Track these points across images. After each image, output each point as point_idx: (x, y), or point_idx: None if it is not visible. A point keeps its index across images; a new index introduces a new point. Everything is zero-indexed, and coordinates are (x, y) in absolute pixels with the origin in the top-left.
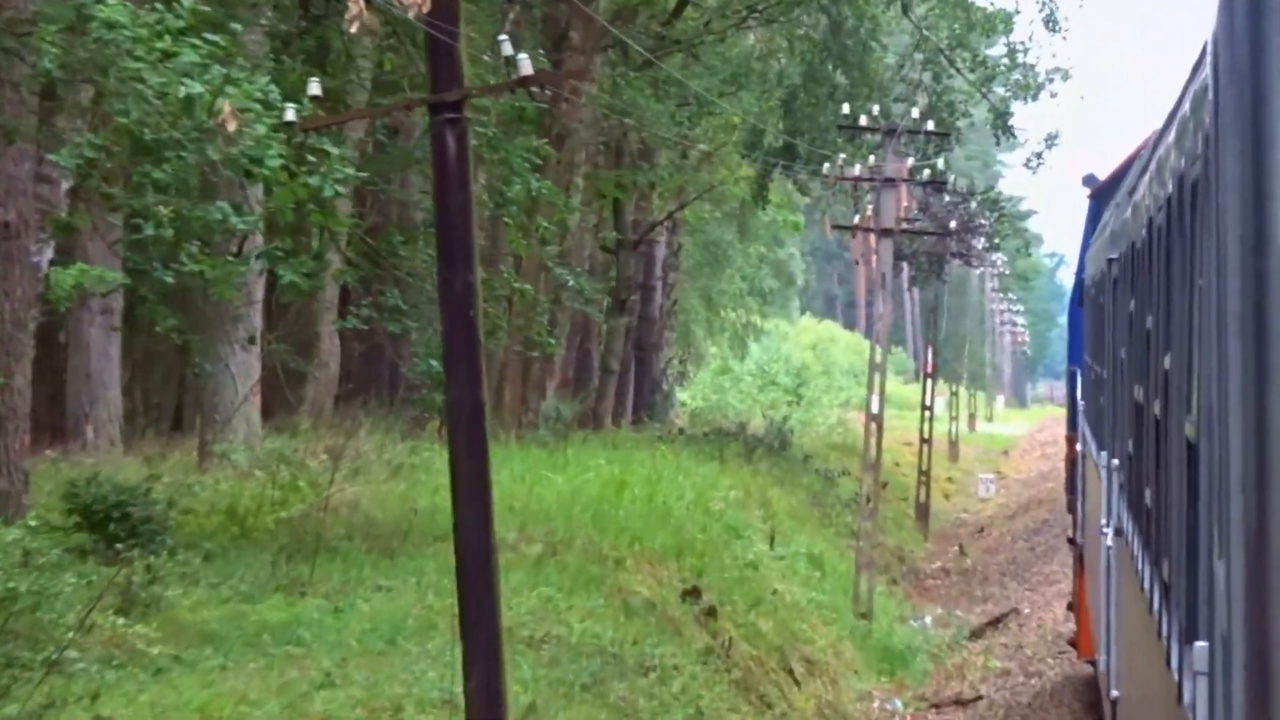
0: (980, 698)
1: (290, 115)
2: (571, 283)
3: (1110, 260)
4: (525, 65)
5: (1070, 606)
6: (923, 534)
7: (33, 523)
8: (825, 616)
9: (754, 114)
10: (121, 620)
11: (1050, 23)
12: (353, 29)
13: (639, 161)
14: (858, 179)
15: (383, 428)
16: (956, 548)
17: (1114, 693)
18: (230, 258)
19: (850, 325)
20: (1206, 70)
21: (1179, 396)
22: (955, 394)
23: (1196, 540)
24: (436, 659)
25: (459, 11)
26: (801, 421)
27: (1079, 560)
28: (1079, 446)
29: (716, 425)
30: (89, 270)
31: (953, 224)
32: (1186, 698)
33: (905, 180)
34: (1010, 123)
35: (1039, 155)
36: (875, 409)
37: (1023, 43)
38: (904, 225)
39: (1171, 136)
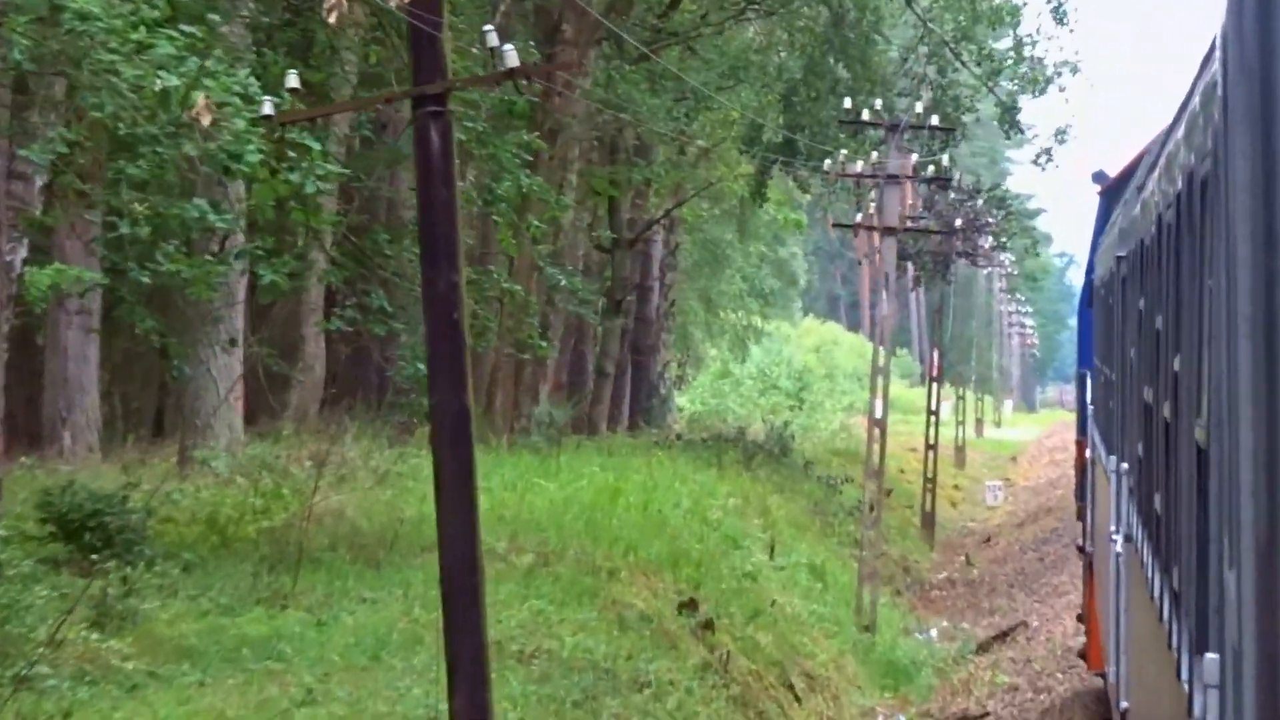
0: (987, 714)
1: (268, 109)
2: (564, 283)
3: (1119, 258)
4: (511, 57)
5: (1080, 617)
6: (928, 543)
7: (4, 533)
8: (827, 629)
9: (753, 109)
10: (95, 635)
11: (1058, 14)
12: (331, 19)
13: (634, 158)
14: (860, 175)
15: (369, 433)
16: (963, 558)
17: (1123, 704)
18: (209, 257)
19: (854, 327)
20: (1216, 65)
21: (1189, 399)
22: (962, 398)
23: (1207, 548)
24: (422, 674)
25: (442, 1)
26: (803, 426)
27: (1089, 569)
28: (1089, 452)
29: (715, 431)
30: (65, 270)
31: (958, 222)
32: (1197, 710)
33: (909, 177)
34: (1018, 118)
35: (1048, 152)
36: (879, 414)
37: (1030, 35)
38: (908, 223)
39: (1181, 132)
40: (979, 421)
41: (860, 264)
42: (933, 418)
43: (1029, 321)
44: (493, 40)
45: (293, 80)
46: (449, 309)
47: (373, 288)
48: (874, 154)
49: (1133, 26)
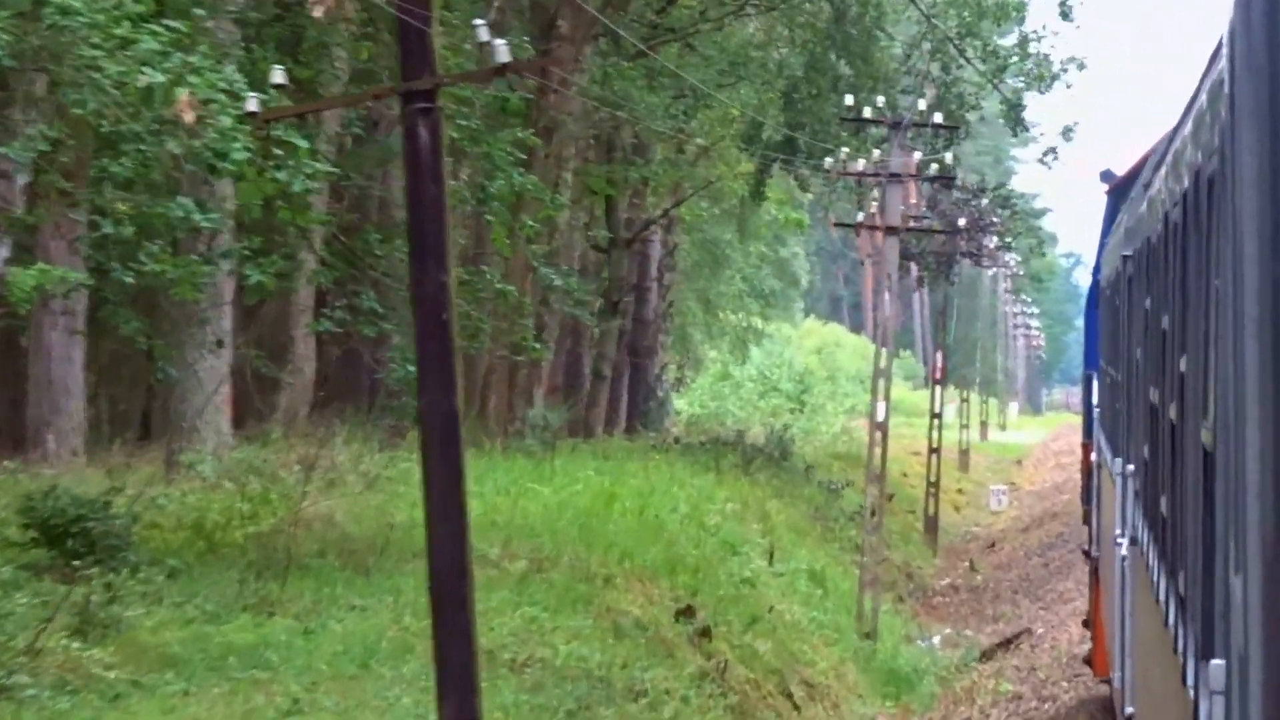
0: None
1: (253, 105)
2: (559, 283)
3: (1125, 258)
4: (502, 52)
5: (1086, 623)
6: (931, 549)
7: None
8: (827, 637)
9: (752, 106)
10: (77, 643)
11: (1064, 9)
12: (316, 13)
13: (632, 156)
14: (861, 174)
15: (360, 437)
16: (966, 563)
17: (1128, 709)
18: (194, 257)
19: (857, 328)
20: (1223, 62)
21: (1195, 400)
22: (966, 400)
23: (1213, 552)
24: (412, 683)
25: None
26: (804, 430)
27: (1094, 574)
28: (1094, 455)
29: (714, 434)
30: (50, 270)
31: (962, 222)
32: (1202, 717)
33: (912, 176)
34: (1023, 115)
35: (1054, 150)
36: (880, 416)
37: (1036, 31)
38: (911, 223)
39: (1188, 129)
40: (983, 424)
41: (863, 264)
42: (936, 421)
43: (1034, 323)
44: (483, 35)
45: (278, 76)
46: (438, 309)
47: (363, 288)
48: (876, 152)
49: (1133, 26)
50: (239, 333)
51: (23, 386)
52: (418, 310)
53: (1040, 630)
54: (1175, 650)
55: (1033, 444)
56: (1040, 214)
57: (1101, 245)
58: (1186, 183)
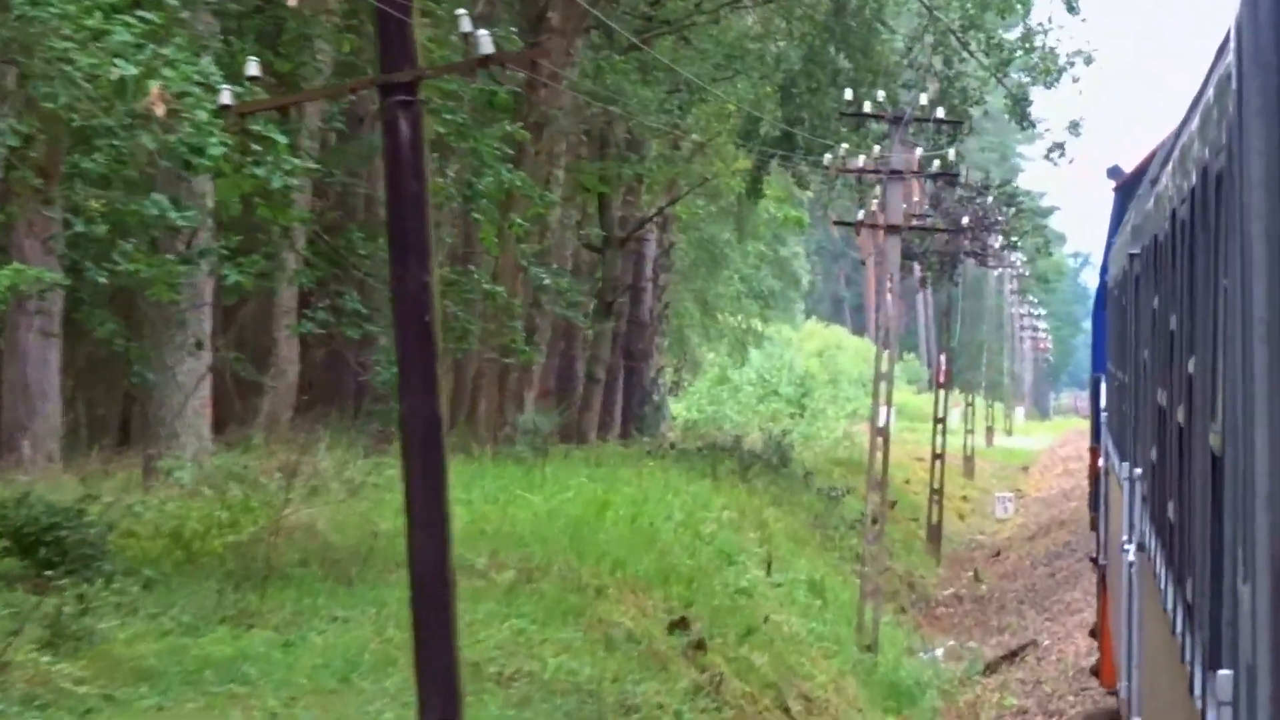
0: None
1: (227, 97)
2: (548, 282)
3: (1132, 256)
4: (485, 43)
5: (1093, 633)
6: (934, 558)
7: None
8: (826, 649)
9: (749, 101)
10: (47, 656)
11: (1070, 2)
12: (291, 2)
13: (626, 153)
14: (862, 170)
15: (344, 442)
16: (971, 573)
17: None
18: (170, 256)
19: (859, 330)
20: (1230, 57)
21: (1203, 403)
22: (971, 405)
23: (1221, 559)
24: (395, 698)
25: None
26: (804, 435)
27: (1102, 582)
28: (1102, 460)
29: (711, 439)
30: (24, 270)
31: (965, 220)
32: None
33: (914, 173)
34: (1029, 110)
35: (1061, 146)
36: (883, 422)
37: (1041, 24)
38: (913, 221)
39: (1195, 124)
40: (989, 429)
41: (864, 264)
42: (940, 426)
43: (1041, 325)
44: (466, 25)
45: (252, 68)
46: (420, 310)
47: (347, 289)
48: (877, 148)
49: (1139, 21)
50: (220, 335)
51: None
52: (399, 311)
53: (1046, 642)
54: (1182, 660)
55: (1040, 449)
56: (1047, 212)
57: (1109, 244)
58: (1194, 180)
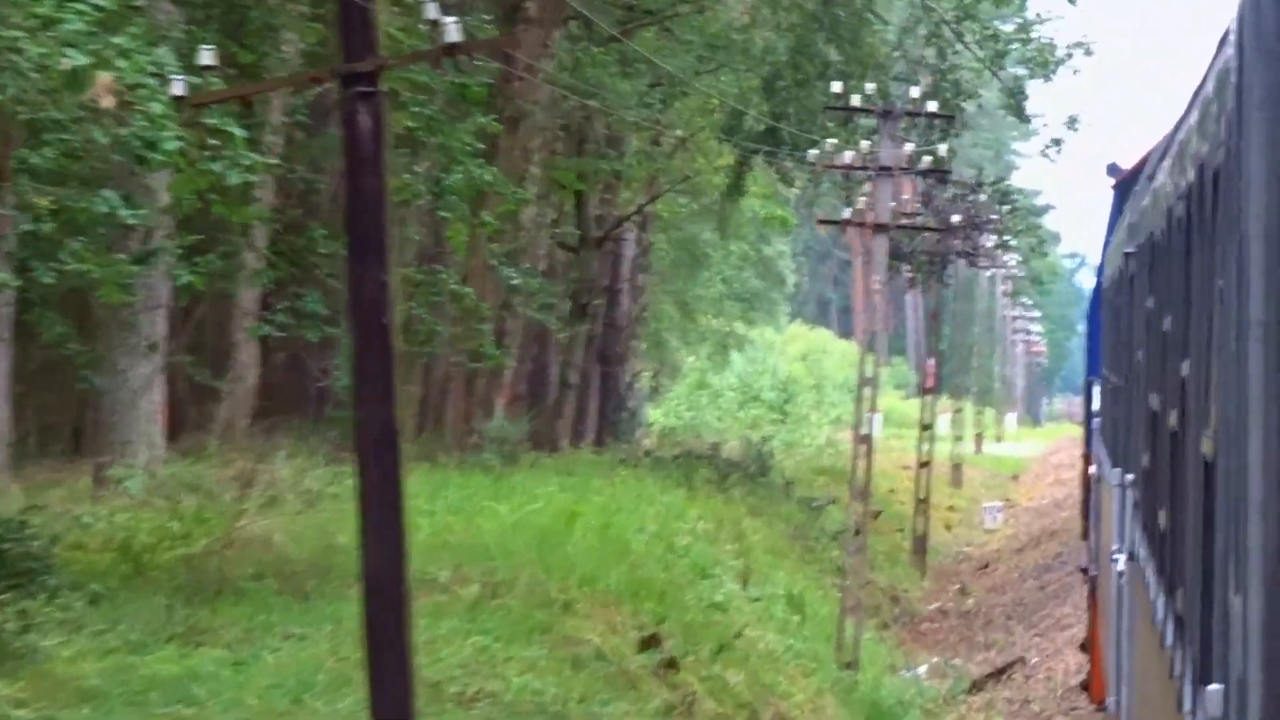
0: None
1: (179, 88)
2: (519, 283)
3: (1128, 255)
4: (452, 31)
5: (1084, 646)
6: (919, 571)
7: None
8: (804, 667)
9: (733, 95)
10: None
11: None
12: None
13: (604, 149)
14: (849, 167)
15: (305, 450)
16: (957, 586)
17: None
18: (120, 256)
19: (846, 333)
20: (1231, 49)
21: (1197, 408)
22: (960, 411)
23: (1212, 570)
24: None
25: None
26: (787, 442)
27: (1094, 592)
28: (1094, 467)
29: (688, 447)
30: None
31: (956, 218)
32: None
33: (904, 169)
34: (1025, 104)
35: (1058, 141)
36: (867, 429)
37: (1039, 14)
38: (902, 220)
39: (1194, 119)
40: (978, 436)
41: (849, 262)
42: (927, 432)
43: (1035, 328)
44: (432, 12)
45: (206, 57)
46: (378, 312)
47: (308, 290)
48: (866, 144)
49: (1139, 18)
50: (175, 337)
51: None
52: (355, 313)
53: (1035, 659)
54: (1172, 674)
55: (1031, 457)
56: (1042, 211)
57: (1107, 244)
58: (1191, 176)
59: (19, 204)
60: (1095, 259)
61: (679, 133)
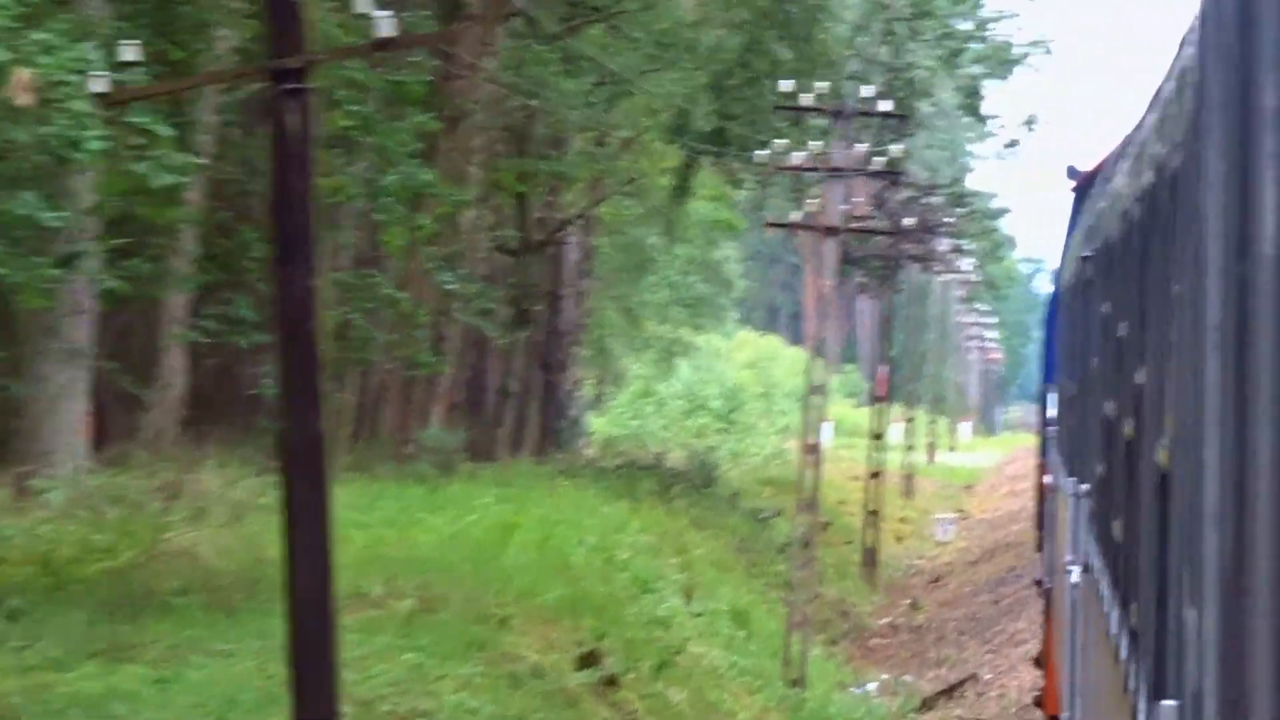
0: None
1: (101, 85)
2: (454, 287)
3: (1084, 259)
4: (385, 25)
5: (1038, 660)
6: (869, 585)
7: None
8: (749, 684)
9: (680, 94)
10: None
11: None
12: None
13: (546, 149)
14: (799, 168)
15: (235, 460)
16: (908, 601)
17: None
18: (39, 259)
19: (796, 340)
20: (1192, 48)
21: (1152, 416)
22: (912, 420)
23: (1167, 583)
24: None
25: None
26: (734, 452)
27: (1048, 605)
28: (1049, 476)
29: (631, 457)
30: None
31: (909, 221)
32: None
33: (856, 171)
34: (981, 104)
35: (1015, 143)
36: (815, 439)
37: (997, 11)
38: (853, 223)
39: (1153, 119)
40: (931, 446)
41: (800, 267)
42: (878, 442)
43: (991, 334)
44: (362, 4)
45: (129, 52)
46: (304, 318)
47: (239, 295)
48: (816, 144)
49: (1105, 18)
50: (101, 343)
51: None
52: (280, 318)
53: (988, 676)
54: (1126, 689)
55: (986, 468)
56: (998, 214)
57: (1065, 248)
58: (1149, 178)
59: None
60: (1054, 264)
61: (624, 133)
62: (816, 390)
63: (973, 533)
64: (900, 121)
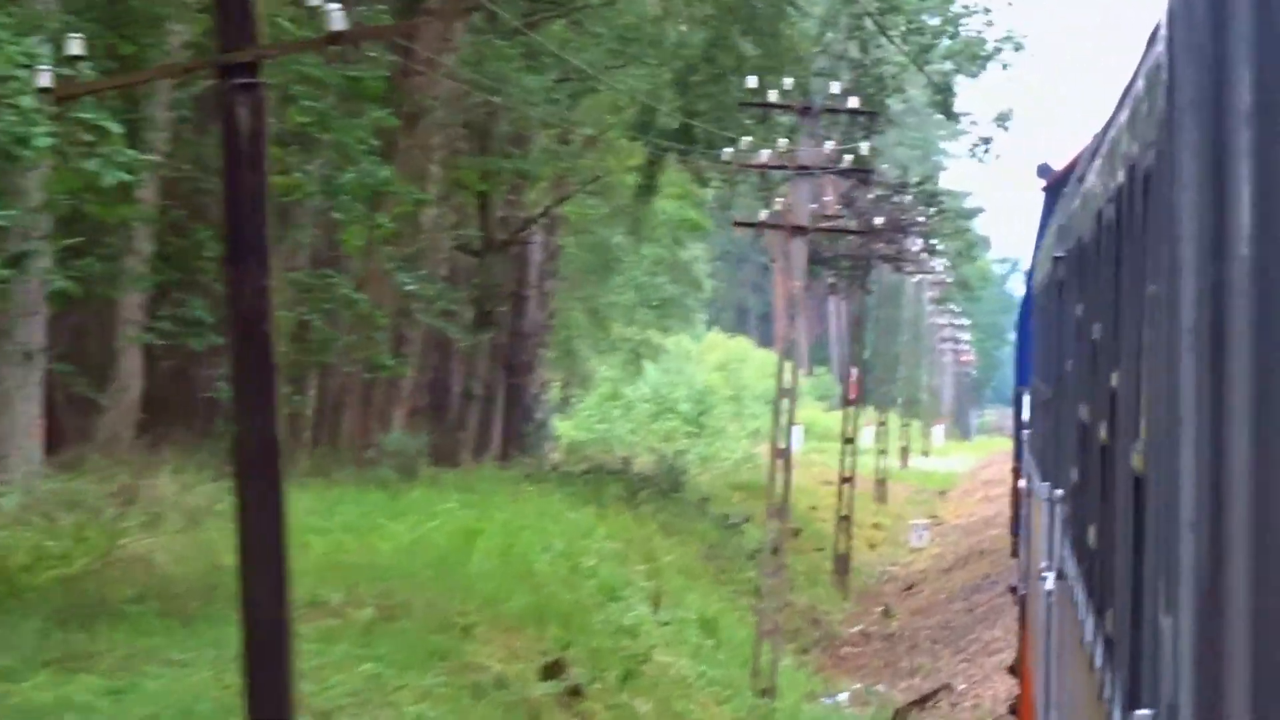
0: None
1: (46, 79)
2: (413, 288)
3: (1057, 259)
4: (336, 19)
5: (1013, 669)
6: (841, 592)
7: None
8: (718, 694)
9: (645, 90)
10: None
11: None
12: None
13: (509, 147)
14: (766, 166)
15: (191, 465)
16: (881, 609)
17: None
18: None
19: (766, 342)
20: (1162, 45)
21: (1127, 420)
22: (884, 423)
23: (1142, 589)
24: None
25: None
26: (703, 456)
27: (1023, 612)
28: (1024, 481)
29: (597, 461)
30: None
31: (879, 220)
32: None
33: (824, 169)
34: (953, 101)
35: (987, 140)
36: (785, 443)
37: (967, 6)
38: (822, 222)
39: (1124, 117)
40: (904, 450)
41: (768, 268)
42: (850, 446)
43: (964, 336)
44: None
45: (75, 46)
46: (258, 319)
47: (193, 296)
48: (784, 142)
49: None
50: (55, 345)
51: None
52: (233, 319)
53: (962, 686)
54: (1102, 698)
55: (960, 472)
56: (971, 214)
57: (1037, 248)
58: (1121, 177)
59: None
60: (1027, 264)
61: (588, 130)
62: (787, 393)
63: (947, 539)
64: (869, 118)
